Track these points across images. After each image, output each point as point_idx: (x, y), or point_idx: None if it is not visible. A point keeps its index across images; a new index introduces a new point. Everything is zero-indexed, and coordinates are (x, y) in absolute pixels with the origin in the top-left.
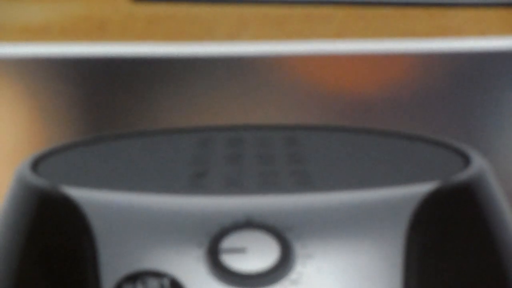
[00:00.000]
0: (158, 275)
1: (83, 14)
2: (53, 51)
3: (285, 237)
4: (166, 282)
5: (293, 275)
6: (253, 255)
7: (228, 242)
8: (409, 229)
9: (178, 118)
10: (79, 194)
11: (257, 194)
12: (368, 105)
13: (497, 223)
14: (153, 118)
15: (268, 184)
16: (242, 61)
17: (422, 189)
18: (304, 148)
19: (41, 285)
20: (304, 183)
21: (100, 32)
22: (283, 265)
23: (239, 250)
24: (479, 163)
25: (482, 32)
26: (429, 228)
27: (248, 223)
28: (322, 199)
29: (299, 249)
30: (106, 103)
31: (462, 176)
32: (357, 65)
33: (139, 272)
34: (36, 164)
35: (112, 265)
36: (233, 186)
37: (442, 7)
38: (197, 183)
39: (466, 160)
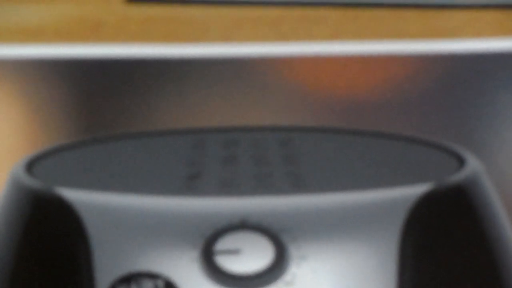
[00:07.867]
0: (152, 276)
1: (78, 15)
2: (48, 53)
3: (280, 238)
4: (160, 283)
5: (288, 276)
6: (248, 257)
7: (223, 244)
8: (404, 230)
9: (173, 120)
10: (73, 195)
11: (252, 196)
12: (363, 106)
13: (491, 225)
14: (148, 119)
15: (262, 185)
16: (237, 63)
17: (416, 190)
18: (298, 150)
19: (36, 287)
20: (299, 185)
21: (94, 34)
22: (278, 267)
23: (234, 252)
24: (473, 165)
25: (478, 33)
26: (423, 230)
27: (243, 225)
28: (317, 201)
29: (293, 251)
30: (100, 104)
31: (456, 177)
32: (352, 66)
33: (134, 273)
34: (31, 166)
35: (106, 267)
36: (228, 187)
37: (437, 8)
38: (191, 184)
39: (460, 162)
